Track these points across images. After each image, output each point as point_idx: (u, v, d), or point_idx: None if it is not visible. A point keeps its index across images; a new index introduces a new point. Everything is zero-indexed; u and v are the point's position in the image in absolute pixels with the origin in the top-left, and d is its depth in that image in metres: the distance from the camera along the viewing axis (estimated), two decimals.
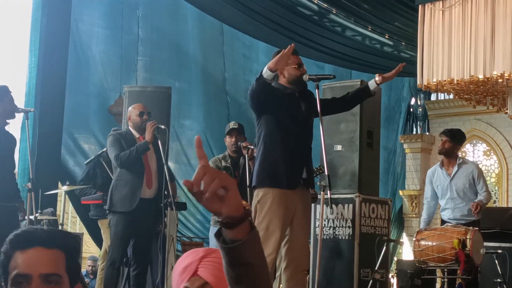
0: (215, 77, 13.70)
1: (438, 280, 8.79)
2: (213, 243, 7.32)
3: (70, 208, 13.15)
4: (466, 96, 10.23)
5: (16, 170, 7.65)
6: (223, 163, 8.12)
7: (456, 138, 8.58)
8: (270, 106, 5.93)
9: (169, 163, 10.83)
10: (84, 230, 11.49)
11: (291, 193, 5.88)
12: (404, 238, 15.80)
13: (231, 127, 8.11)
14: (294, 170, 5.95)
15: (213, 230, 8.27)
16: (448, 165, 8.53)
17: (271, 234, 5.75)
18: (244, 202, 1.82)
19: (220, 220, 1.81)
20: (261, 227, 5.75)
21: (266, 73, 5.63)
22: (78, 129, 11.58)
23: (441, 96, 16.31)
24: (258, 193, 5.94)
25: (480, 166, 9.52)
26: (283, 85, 6.06)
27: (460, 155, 9.00)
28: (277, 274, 6.28)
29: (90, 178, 9.06)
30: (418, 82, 9.21)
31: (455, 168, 8.45)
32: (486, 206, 8.59)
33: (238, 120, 8.51)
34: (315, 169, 6.97)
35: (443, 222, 8.55)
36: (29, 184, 6.67)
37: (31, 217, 6.78)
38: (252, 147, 7.90)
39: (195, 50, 13.42)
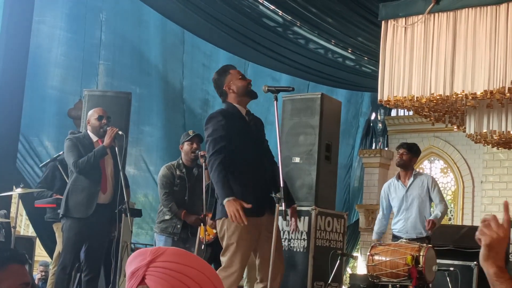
0: (173, 85, 13.65)
1: None
2: None
3: (24, 211, 12.98)
4: (425, 113, 10.30)
5: None
6: (178, 172, 8.07)
7: (413, 150, 8.88)
8: (232, 136, 5.78)
9: (128, 169, 10.75)
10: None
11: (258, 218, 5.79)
12: (359, 252, 15.86)
13: (191, 134, 8.09)
14: (261, 198, 5.80)
15: (158, 237, 8.20)
16: (404, 177, 8.75)
17: (239, 251, 5.68)
18: None
19: None
20: (230, 242, 5.71)
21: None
22: (35, 132, 11.41)
23: (401, 112, 16.38)
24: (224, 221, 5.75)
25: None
26: (234, 105, 5.93)
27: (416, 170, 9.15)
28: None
29: (49, 181, 8.95)
30: (379, 98, 9.25)
31: (411, 179, 8.65)
32: (441, 223, 8.67)
33: (194, 129, 8.49)
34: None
35: (394, 237, 8.62)
36: None
37: None
38: None
39: (156, 57, 13.37)
